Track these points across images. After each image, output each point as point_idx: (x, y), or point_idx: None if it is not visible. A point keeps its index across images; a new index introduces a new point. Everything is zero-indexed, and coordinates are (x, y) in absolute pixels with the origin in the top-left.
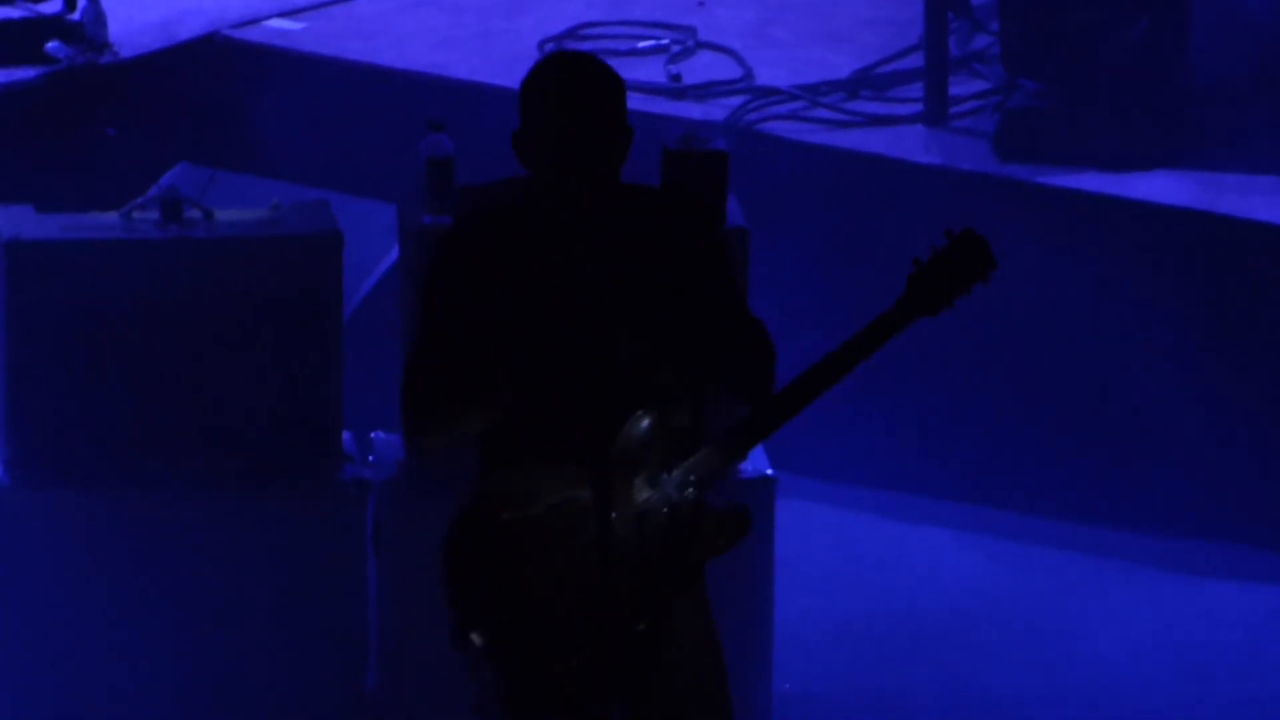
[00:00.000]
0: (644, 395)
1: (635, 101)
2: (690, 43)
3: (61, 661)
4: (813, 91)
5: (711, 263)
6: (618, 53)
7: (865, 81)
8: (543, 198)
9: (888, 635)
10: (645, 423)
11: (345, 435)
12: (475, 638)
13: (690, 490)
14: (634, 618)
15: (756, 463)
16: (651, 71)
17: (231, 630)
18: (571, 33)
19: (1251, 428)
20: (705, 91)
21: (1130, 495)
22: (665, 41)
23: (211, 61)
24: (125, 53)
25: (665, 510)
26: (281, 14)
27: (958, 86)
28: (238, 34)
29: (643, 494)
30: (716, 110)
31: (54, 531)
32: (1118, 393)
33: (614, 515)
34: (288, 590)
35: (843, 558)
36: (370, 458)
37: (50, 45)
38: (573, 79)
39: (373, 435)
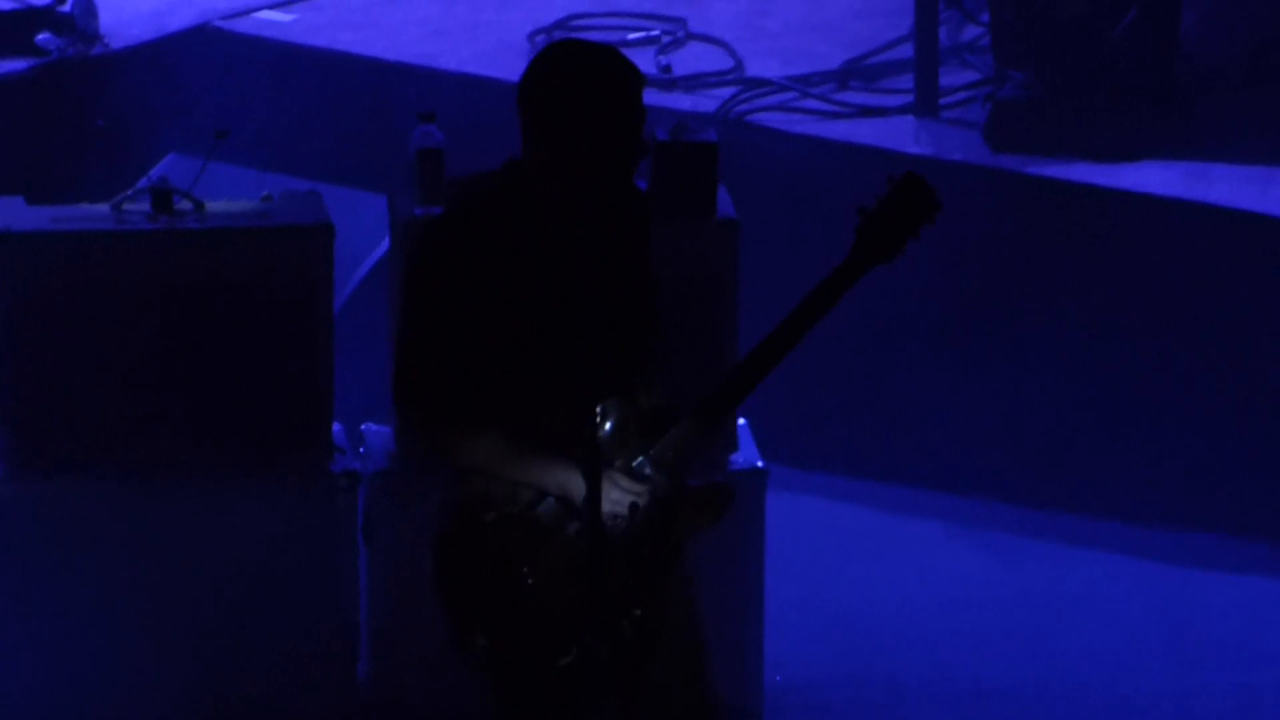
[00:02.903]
0: (617, 383)
1: None
2: (680, 34)
3: (56, 649)
4: (803, 82)
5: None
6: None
7: (855, 72)
8: (548, 192)
9: (879, 626)
10: (612, 417)
11: (336, 427)
12: (478, 642)
13: (667, 470)
14: (627, 604)
15: (748, 455)
16: (642, 63)
17: (224, 619)
18: (561, 24)
19: (1240, 419)
20: (695, 82)
21: (1120, 486)
22: (655, 33)
23: (202, 53)
24: (116, 44)
25: (646, 493)
26: (272, 5)
27: (948, 77)
28: (228, 25)
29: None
30: (707, 101)
31: (47, 520)
32: (1107, 383)
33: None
34: (279, 580)
35: (834, 549)
36: (361, 449)
37: (41, 37)
38: (621, 78)
39: (363, 427)
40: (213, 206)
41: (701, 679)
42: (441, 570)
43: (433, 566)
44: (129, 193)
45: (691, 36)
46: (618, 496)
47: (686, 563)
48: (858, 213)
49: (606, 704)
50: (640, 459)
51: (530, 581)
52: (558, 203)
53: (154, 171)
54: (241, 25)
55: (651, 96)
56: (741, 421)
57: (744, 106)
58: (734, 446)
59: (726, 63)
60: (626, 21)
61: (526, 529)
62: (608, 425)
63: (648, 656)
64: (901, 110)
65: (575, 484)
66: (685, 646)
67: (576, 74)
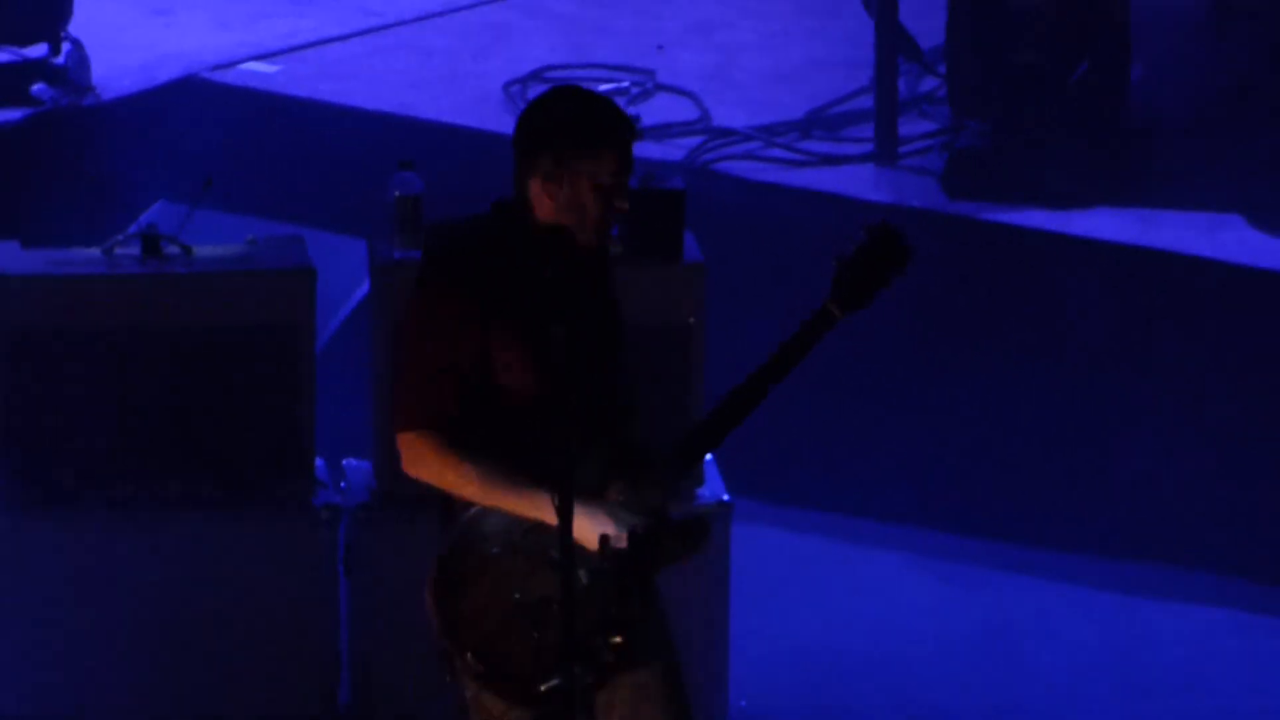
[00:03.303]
0: (602, 416)
1: None
2: (649, 85)
3: (49, 673)
4: (767, 132)
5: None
6: None
7: (818, 122)
8: (541, 237)
9: (840, 654)
10: (599, 451)
11: (318, 462)
12: (467, 662)
13: (650, 504)
14: (608, 630)
15: (713, 488)
16: None
17: (211, 646)
18: (535, 75)
19: (1187, 455)
20: (664, 132)
21: (1072, 520)
22: (625, 84)
23: (190, 103)
24: (107, 95)
25: (642, 523)
26: (257, 57)
27: (907, 127)
28: (215, 76)
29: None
30: (674, 150)
31: (39, 552)
32: (1061, 420)
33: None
34: (263, 609)
35: (796, 580)
36: (342, 484)
37: (36, 88)
38: (625, 127)
39: (344, 462)
40: (200, 251)
41: (679, 702)
42: (440, 593)
43: (430, 589)
44: (120, 237)
45: (660, 88)
46: (615, 524)
47: (659, 596)
48: (835, 261)
49: None
50: (625, 493)
51: (522, 605)
52: (550, 242)
53: (144, 217)
54: (228, 77)
55: None
56: (708, 456)
57: (710, 155)
58: (700, 480)
59: (693, 113)
60: (597, 73)
61: (523, 558)
62: (594, 460)
63: (624, 682)
64: (862, 159)
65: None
66: (663, 672)
67: (592, 111)
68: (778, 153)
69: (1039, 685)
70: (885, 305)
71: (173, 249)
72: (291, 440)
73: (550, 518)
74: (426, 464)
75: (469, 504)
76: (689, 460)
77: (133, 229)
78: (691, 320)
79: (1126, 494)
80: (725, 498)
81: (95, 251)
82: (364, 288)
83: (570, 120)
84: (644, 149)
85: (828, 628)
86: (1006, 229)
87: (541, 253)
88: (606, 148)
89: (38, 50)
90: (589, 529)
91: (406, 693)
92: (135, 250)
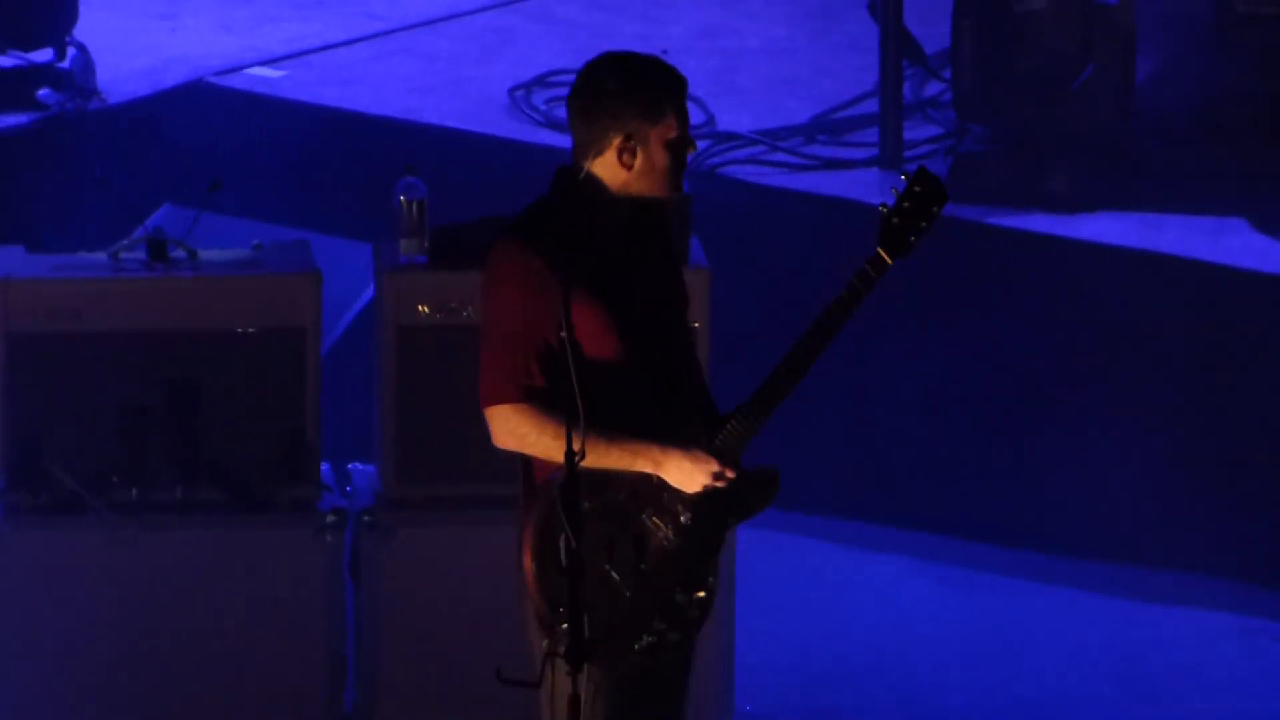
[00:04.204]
0: (683, 374)
1: None
2: None
3: (52, 681)
4: (772, 136)
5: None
6: None
7: (822, 127)
8: (623, 212)
9: (844, 656)
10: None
11: (324, 466)
12: (563, 629)
13: (730, 456)
14: (693, 587)
15: None
16: None
17: (215, 652)
18: (540, 80)
19: (1190, 460)
20: None
21: (1074, 523)
22: None
23: (195, 108)
24: (113, 99)
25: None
26: (262, 62)
27: (911, 131)
28: (220, 81)
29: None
30: None
31: (43, 557)
32: (1065, 423)
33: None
34: (269, 614)
35: (802, 582)
36: (348, 488)
37: (42, 93)
38: (679, 82)
39: (350, 466)
40: (206, 255)
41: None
42: (540, 563)
43: (531, 559)
44: (126, 241)
45: None
46: (703, 474)
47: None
48: (880, 209)
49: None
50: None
51: (613, 567)
52: (632, 205)
53: (149, 221)
54: (233, 81)
55: None
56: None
57: (716, 159)
58: None
59: (699, 117)
60: None
61: (616, 517)
62: (681, 413)
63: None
64: (867, 163)
65: (672, 460)
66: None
67: (663, 69)
68: (782, 157)
69: (1041, 687)
70: (890, 307)
71: (179, 253)
72: (297, 444)
73: (647, 466)
74: (520, 434)
75: (553, 471)
76: (763, 411)
77: (139, 233)
78: (696, 324)
79: (1129, 498)
80: None
81: (101, 256)
82: (369, 292)
83: (633, 94)
84: None
85: (832, 631)
86: (1010, 233)
87: (626, 227)
88: (671, 108)
89: (43, 55)
90: (690, 473)
91: (412, 697)
92: (141, 254)
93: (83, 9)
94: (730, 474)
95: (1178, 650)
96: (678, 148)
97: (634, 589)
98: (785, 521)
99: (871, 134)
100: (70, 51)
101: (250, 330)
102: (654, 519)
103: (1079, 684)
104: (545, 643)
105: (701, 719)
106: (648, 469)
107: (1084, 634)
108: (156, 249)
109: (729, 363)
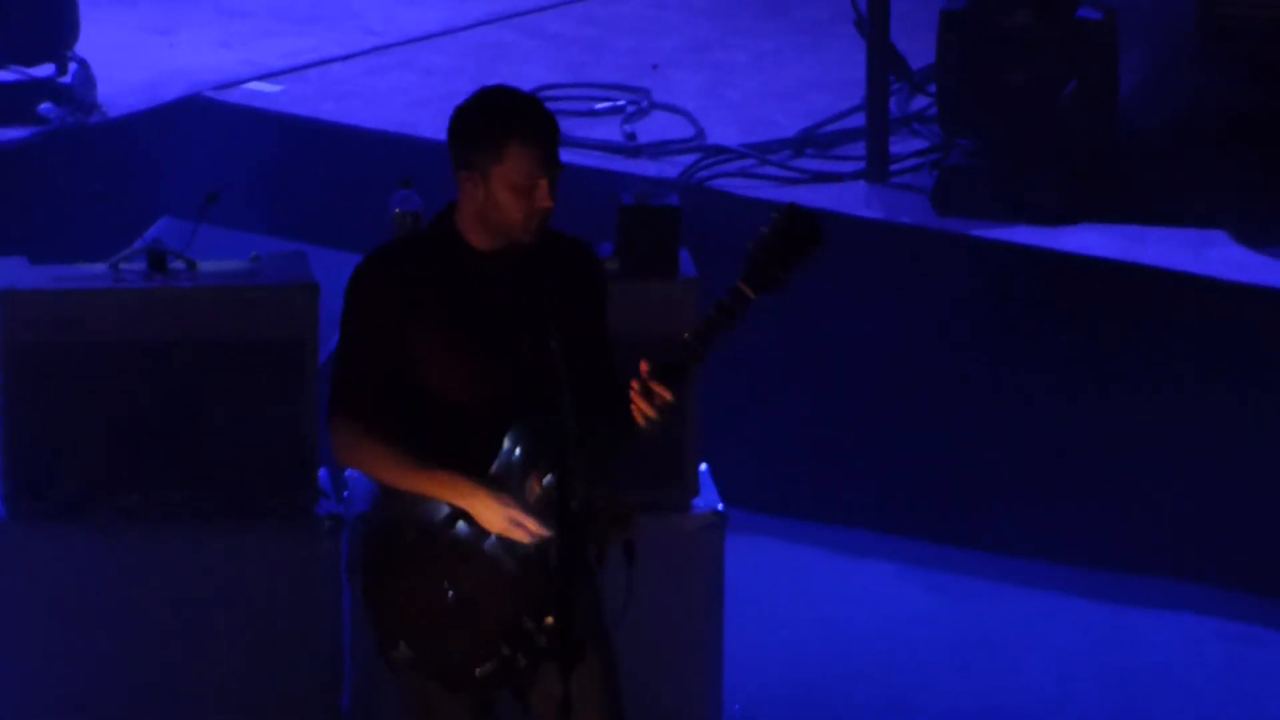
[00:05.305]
0: (535, 404)
1: (593, 159)
2: (645, 104)
3: (56, 683)
4: (761, 150)
5: (590, 297)
6: (577, 113)
7: (810, 140)
8: (469, 230)
9: (832, 661)
10: (523, 440)
11: (321, 472)
12: (401, 652)
13: (573, 490)
14: (540, 613)
15: (708, 499)
16: (608, 131)
17: (216, 653)
18: (532, 94)
19: (1172, 467)
20: (659, 150)
21: (1058, 530)
22: (621, 103)
23: (194, 121)
24: (113, 113)
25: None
26: (259, 77)
27: (898, 145)
28: (219, 95)
29: (539, 488)
30: (669, 168)
31: (48, 561)
32: (1048, 432)
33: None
34: (267, 617)
35: (790, 587)
36: (344, 493)
37: (43, 107)
38: (547, 118)
39: (346, 473)
40: (204, 266)
41: (610, 694)
42: (368, 584)
43: (360, 581)
44: (125, 253)
45: (655, 106)
46: (502, 519)
47: (596, 579)
48: (748, 242)
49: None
50: (549, 478)
51: (451, 594)
52: (481, 241)
53: (149, 233)
54: (231, 96)
55: (618, 163)
56: (703, 467)
57: (705, 173)
58: (695, 491)
59: (689, 131)
60: (595, 92)
61: (447, 544)
62: (518, 449)
63: (557, 664)
64: (854, 176)
65: (478, 498)
66: (595, 660)
67: (516, 105)
68: (771, 170)
69: (1027, 693)
70: (876, 318)
71: (178, 264)
72: (294, 451)
73: (454, 498)
74: (349, 449)
75: (393, 492)
76: (606, 448)
77: (138, 244)
78: (686, 335)
79: (1114, 506)
80: (720, 507)
81: (102, 266)
82: None
83: (475, 121)
84: (640, 166)
85: (820, 635)
86: (995, 245)
87: (442, 257)
88: (514, 147)
89: (45, 70)
90: (495, 515)
91: None
92: (141, 265)
93: (83, 25)
94: (531, 525)
95: (1160, 654)
96: (523, 192)
97: (475, 614)
98: (774, 526)
99: (859, 148)
100: (71, 66)
101: (248, 340)
102: (498, 546)
103: (1063, 688)
104: (392, 654)
105: (691, 718)
106: (456, 501)
107: (1070, 639)
108: (156, 260)
109: (717, 372)
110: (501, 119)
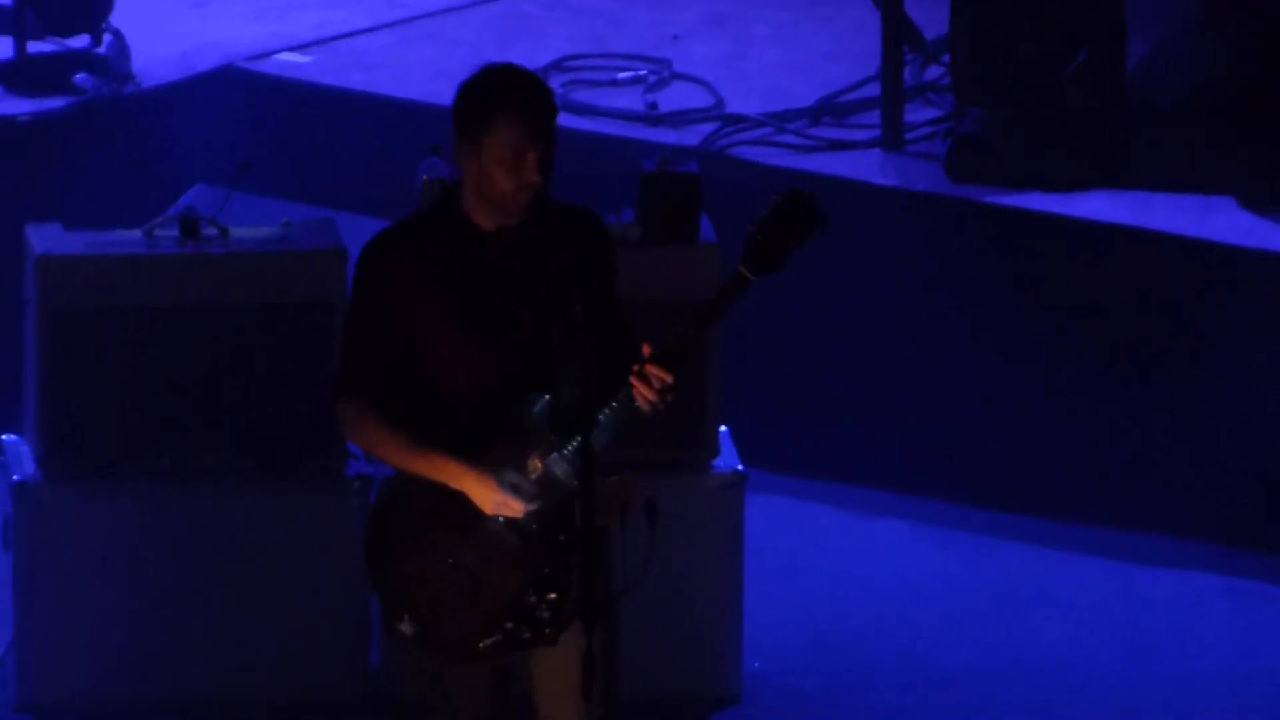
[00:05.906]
0: (540, 378)
1: (615, 128)
2: (666, 74)
3: (89, 640)
4: (779, 119)
5: (601, 264)
6: (599, 83)
7: (827, 110)
8: (474, 205)
9: (849, 617)
10: (539, 404)
11: None
12: (405, 626)
13: (577, 465)
14: (544, 588)
15: (728, 459)
16: (630, 100)
17: (246, 612)
18: (556, 65)
19: (1180, 428)
20: (680, 119)
21: (1072, 490)
22: (643, 73)
23: (227, 91)
24: (147, 83)
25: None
26: (290, 48)
27: (912, 114)
28: (251, 66)
29: (540, 467)
30: (690, 136)
31: (81, 522)
32: (1060, 394)
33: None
34: (297, 575)
35: (808, 547)
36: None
37: (78, 77)
38: (538, 92)
39: None
40: (236, 232)
41: (609, 670)
42: (373, 557)
43: (365, 553)
44: (159, 220)
45: (676, 76)
46: (490, 503)
47: (607, 556)
48: (748, 225)
49: (519, 686)
50: (554, 455)
51: (456, 568)
52: (486, 216)
53: (182, 200)
54: (263, 66)
55: (639, 131)
56: (723, 428)
57: (725, 141)
58: (716, 452)
59: (708, 101)
60: (617, 62)
61: (453, 518)
62: (534, 411)
63: (581, 621)
64: (870, 144)
65: (467, 481)
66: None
67: (505, 82)
68: (789, 139)
69: (1040, 647)
70: (891, 282)
71: (210, 231)
72: (323, 413)
73: (452, 481)
74: (353, 428)
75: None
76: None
77: (172, 212)
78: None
79: (1123, 467)
80: (740, 468)
81: (136, 233)
82: None
83: (469, 94)
84: (661, 134)
85: (838, 593)
86: (1007, 211)
87: (449, 235)
88: (501, 119)
89: (80, 41)
90: (485, 495)
91: None
92: (174, 232)
93: None
94: (517, 506)
95: (1170, 610)
96: (511, 165)
97: (479, 589)
98: (793, 487)
99: (874, 117)
100: (106, 38)
101: (279, 304)
102: (502, 522)
103: (1075, 643)
104: (398, 627)
105: (713, 676)
106: (449, 482)
107: (1080, 595)
108: (189, 227)
109: (738, 335)
110: (491, 92)
